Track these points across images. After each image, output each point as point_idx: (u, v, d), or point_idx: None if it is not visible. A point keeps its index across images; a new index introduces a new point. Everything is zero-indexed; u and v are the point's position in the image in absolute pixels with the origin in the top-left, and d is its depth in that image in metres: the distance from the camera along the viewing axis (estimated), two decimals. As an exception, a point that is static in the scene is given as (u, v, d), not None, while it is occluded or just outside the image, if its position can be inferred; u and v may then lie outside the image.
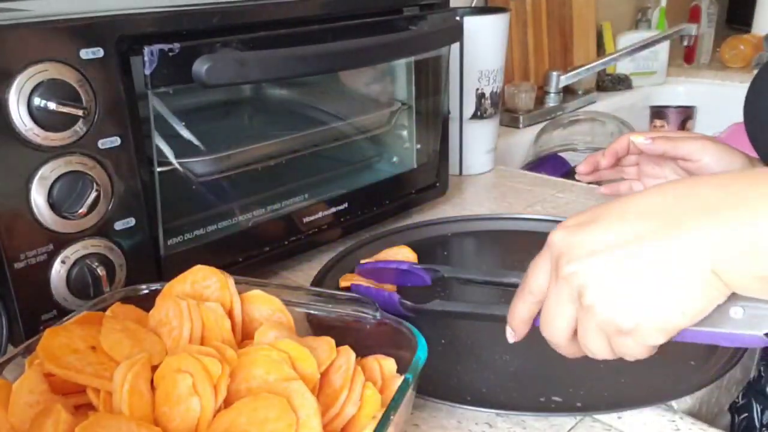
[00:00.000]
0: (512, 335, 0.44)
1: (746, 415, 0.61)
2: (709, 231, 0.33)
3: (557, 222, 0.60)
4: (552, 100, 1.33)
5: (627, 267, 0.35)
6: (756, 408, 0.60)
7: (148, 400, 0.37)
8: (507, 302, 0.44)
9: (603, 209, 0.38)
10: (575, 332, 0.39)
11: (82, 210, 0.48)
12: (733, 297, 0.35)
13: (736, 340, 0.37)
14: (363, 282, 0.59)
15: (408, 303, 0.53)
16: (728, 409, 0.61)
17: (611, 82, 1.51)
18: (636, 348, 0.37)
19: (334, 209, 0.68)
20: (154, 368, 0.39)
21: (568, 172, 1.18)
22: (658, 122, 1.54)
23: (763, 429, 0.59)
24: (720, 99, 1.55)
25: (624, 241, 0.36)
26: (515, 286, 0.43)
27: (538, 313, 0.41)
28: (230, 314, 0.44)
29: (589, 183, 0.81)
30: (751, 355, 0.58)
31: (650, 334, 0.36)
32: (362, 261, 0.64)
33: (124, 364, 0.37)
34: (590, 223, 0.38)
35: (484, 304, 0.49)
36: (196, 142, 0.59)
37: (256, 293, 0.46)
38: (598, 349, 0.38)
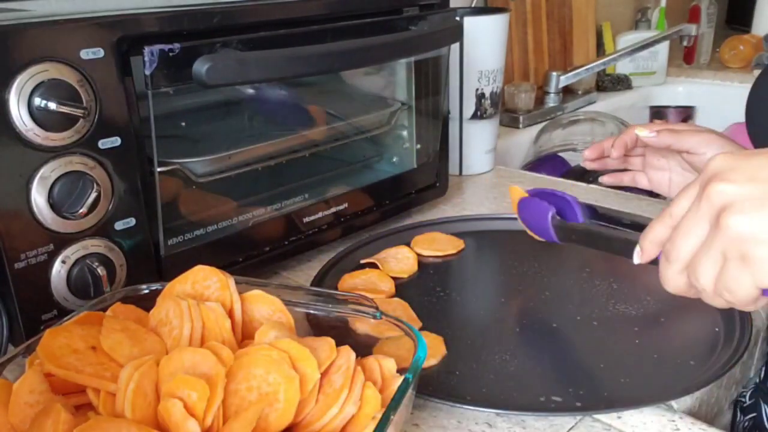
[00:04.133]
0: (639, 255, 0.44)
1: (753, 415, 0.61)
2: None
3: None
4: (552, 101, 1.33)
5: None
6: (764, 409, 0.60)
7: (151, 401, 0.37)
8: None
9: None
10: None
11: (83, 210, 0.48)
12: None
13: None
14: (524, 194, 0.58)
15: (558, 218, 0.54)
16: (732, 406, 0.61)
17: (611, 83, 1.51)
18: (747, 286, 0.36)
19: (334, 209, 0.69)
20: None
21: (568, 172, 1.18)
22: (657, 122, 1.55)
23: None
24: (719, 99, 1.55)
25: None
26: None
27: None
28: (230, 314, 0.44)
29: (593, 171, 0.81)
30: (751, 354, 0.58)
31: (762, 268, 0.35)
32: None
33: (131, 364, 0.37)
34: (756, 154, 0.37)
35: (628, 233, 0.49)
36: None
37: (257, 293, 0.46)
38: (706, 275, 0.38)
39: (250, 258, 0.62)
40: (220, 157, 0.61)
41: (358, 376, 0.39)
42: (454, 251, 0.69)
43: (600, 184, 0.77)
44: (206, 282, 0.46)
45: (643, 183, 0.71)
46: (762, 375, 0.61)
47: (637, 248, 0.44)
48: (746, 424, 0.61)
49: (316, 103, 0.77)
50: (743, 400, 0.61)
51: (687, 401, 0.48)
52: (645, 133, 0.63)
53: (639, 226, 0.49)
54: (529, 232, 0.58)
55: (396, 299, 0.59)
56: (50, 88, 0.45)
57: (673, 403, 0.47)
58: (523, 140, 1.23)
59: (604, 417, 0.46)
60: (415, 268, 0.66)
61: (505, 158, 1.15)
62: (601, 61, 1.34)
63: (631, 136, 0.67)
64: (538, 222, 0.56)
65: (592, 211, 0.55)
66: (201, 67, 0.49)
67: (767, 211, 0.35)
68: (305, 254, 0.69)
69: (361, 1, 0.65)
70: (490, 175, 0.97)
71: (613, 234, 0.51)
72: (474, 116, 0.93)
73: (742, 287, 0.37)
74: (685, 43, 1.49)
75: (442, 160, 0.80)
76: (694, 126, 0.65)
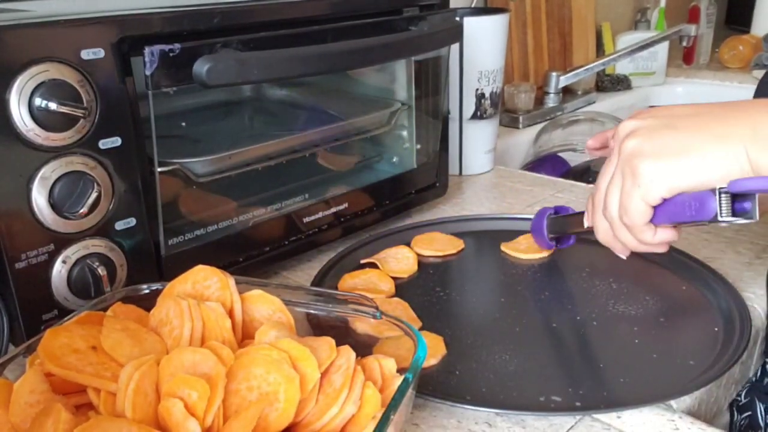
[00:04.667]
0: (585, 216, 0.51)
1: (749, 414, 0.61)
2: (759, 119, 0.39)
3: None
4: (551, 101, 1.34)
5: (674, 125, 0.41)
6: (759, 407, 0.60)
7: (152, 401, 0.37)
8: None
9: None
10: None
11: (83, 210, 0.48)
12: None
13: (698, 200, 0.41)
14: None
15: (552, 215, 0.65)
16: (729, 407, 0.61)
17: (610, 83, 1.51)
18: (637, 201, 0.42)
19: (334, 209, 0.69)
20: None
21: (568, 172, 1.18)
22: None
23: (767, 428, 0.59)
24: (719, 99, 1.54)
25: (683, 113, 0.42)
26: None
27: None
28: (231, 314, 0.44)
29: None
30: (751, 354, 0.59)
31: (657, 183, 0.41)
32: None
33: (132, 364, 0.37)
34: (659, 107, 0.44)
35: None
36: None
37: (257, 293, 0.46)
38: (612, 201, 0.44)
39: (250, 258, 0.62)
40: (220, 157, 0.61)
41: (358, 376, 0.39)
42: (454, 251, 0.70)
43: None
44: (206, 282, 0.46)
45: None
46: (758, 374, 0.61)
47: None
48: (742, 422, 0.61)
49: (316, 103, 0.77)
50: (739, 399, 0.61)
51: (686, 401, 0.48)
52: None
53: None
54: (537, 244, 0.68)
55: (396, 299, 0.59)
56: (51, 88, 0.45)
57: (673, 403, 0.47)
58: (523, 140, 1.23)
59: (603, 417, 0.46)
60: (415, 268, 0.66)
61: (504, 158, 1.16)
62: (601, 61, 1.34)
63: None
64: (537, 225, 0.65)
65: None
66: (201, 67, 0.49)
67: (654, 134, 0.41)
68: (305, 254, 0.69)
69: (361, 2, 0.65)
70: (489, 175, 0.97)
71: (574, 214, 0.61)
72: (474, 116, 0.93)
73: (633, 204, 0.42)
74: (684, 44, 1.49)
75: (442, 160, 0.80)
76: None
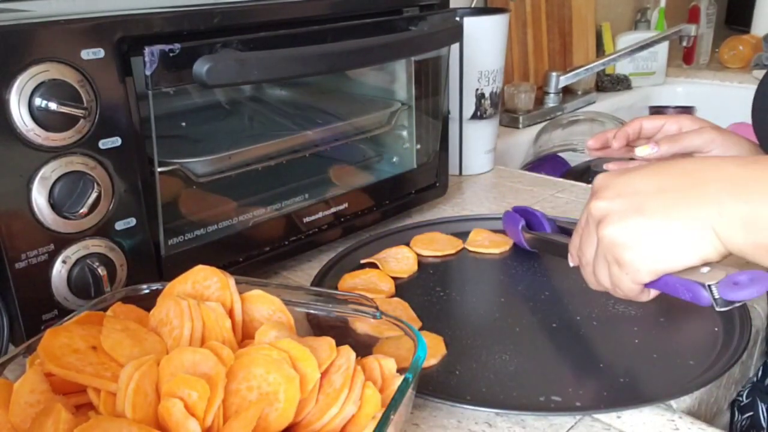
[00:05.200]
0: (570, 259, 0.52)
1: (750, 414, 0.61)
2: (723, 198, 0.40)
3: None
4: (551, 101, 1.34)
5: (642, 209, 0.42)
6: (761, 407, 0.60)
7: (152, 401, 0.37)
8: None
9: (648, 164, 0.46)
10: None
11: (83, 210, 0.48)
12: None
13: (691, 290, 0.42)
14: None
15: (526, 228, 0.67)
16: (729, 407, 0.61)
17: (610, 83, 1.51)
18: (627, 283, 0.44)
19: (334, 209, 0.69)
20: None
21: (568, 172, 1.18)
22: (655, 116, 1.55)
23: None
24: (719, 99, 1.56)
25: (648, 191, 0.43)
26: None
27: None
28: (231, 314, 0.44)
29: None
30: (751, 354, 0.59)
31: (642, 270, 0.42)
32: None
33: (132, 364, 0.37)
34: (629, 172, 0.45)
35: None
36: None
37: (257, 293, 0.46)
38: (602, 276, 0.46)
39: (250, 258, 0.62)
40: (220, 157, 0.61)
41: (358, 376, 0.39)
42: (453, 251, 0.70)
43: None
44: (206, 282, 0.46)
45: None
46: (759, 374, 0.61)
47: (569, 256, 0.53)
48: (744, 423, 0.61)
49: (315, 103, 0.77)
50: (740, 399, 0.61)
51: (686, 401, 0.48)
52: (647, 152, 0.64)
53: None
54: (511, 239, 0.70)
55: (396, 299, 0.59)
56: (51, 88, 0.45)
57: (673, 403, 0.47)
58: (523, 140, 1.23)
59: (603, 416, 0.46)
60: (415, 268, 0.66)
61: (504, 158, 1.16)
62: (601, 61, 1.34)
63: (634, 127, 0.66)
64: (513, 230, 0.69)
65: (554, 225, 0.66)
66: (201, 67, 0.49)
67: (628, 222, 0.42)
68: (305, 254, 0.69)
69: (361, 2, 0.65)
70: (489, 175, 0.97)
71: (557, 240, 0.61)
72: (474, 116, 0.93)
73: (624, 284, 0.44)
74: (684, 44, 1.49)
75: (442, 160, 0.80)
76: (690, 122, 0.64)
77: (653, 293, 0.46)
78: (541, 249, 0.67)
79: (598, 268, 0.46)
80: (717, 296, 0.41)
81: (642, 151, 0.64)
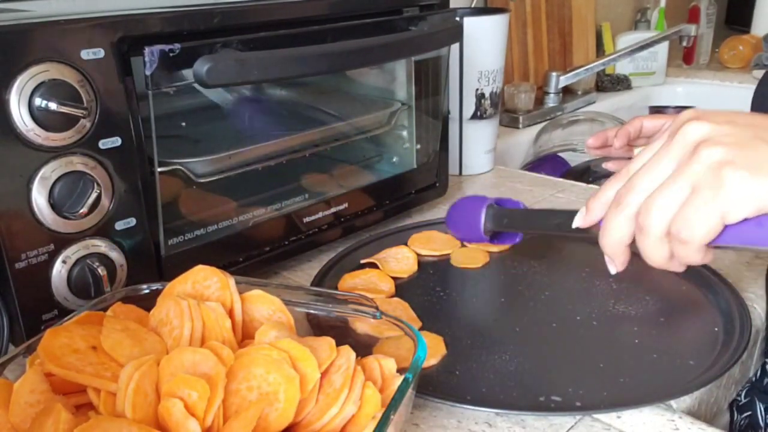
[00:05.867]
0: (583, 215, 0.43)
1: (749, 413, 0.61)
2: None
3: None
4: (551, 101, 1.34)
5: (765, 137, 0.35)
6: (759, 407, 0.60)
7: (152, 401, 0.37)
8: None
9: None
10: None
11: (83, 210, 0.48)
12: None
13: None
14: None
15: (495, 206, 0.60)
16: (729, 406, 0.61)
17: (610, 83, 1.51)
18: (710, 217, 0.36)
19: (334, 209, 0.69)
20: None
21: (568, 172, 1.18)
22: (656, 115, 1.55)
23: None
24: (719, 99, 1.56)
25: (766, 125, 0.36)
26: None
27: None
28: (231, 314, 0.44)
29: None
30: (751, 354, 0.59)
31: (747, 200, 0.35)
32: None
33: (132, 364, 0.37)
34: (724, 113, 0.38)
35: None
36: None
37: (257, 293, 0.46)
38: (664, 211, 0.37)
39: (250, 258, 0.62)
40: (220, 157, 0.61)
41: (358, 376, 0.39)
42: (449, 251, 0.69)
43: (599, 184, 0.77)
44: (206, 282, 0.46)
45: None
46: (758, 374, 0.61)
47: (582, 209, 0.42)
48: (742, 422, 0.61)
49: (315, 103, 0.77)
50: (739, 399, 0.61)
51: (686, 401, 0.48)
52: None
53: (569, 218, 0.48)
54: (454, 235, 0.64)
55: (396, 299, 0.59)
56: (51, 88, 0.45)
57: (673, 403, 0.47)
58: (523, 140, 1.23)
59: (603, 417, 0.46)
60: (415, 268, 0.66)
61: (504, 158, 1.16)
62: (601, 61, 1.34)
63: (635, 126, 0.66)
64: (466, 216, 0.60)
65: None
66: (201, 67, 0.49)
67: (746, 147, 0.35)
68: (305, 254, 0.69)
69: (361, 2, 0.65)
70: (489, 175, 0.97)
71: (551, 211, 0.51)
72: (474, 116, 0.93)
73: (704, 219, 0.36)
74: (684, 44, 1.49)
75: (442, 160, 0.80)
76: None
77: (707, 254, 0.39)
78: (515, 227, 0.58)
79: (664, 199, 0.37)
80: None
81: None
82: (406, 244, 0.70)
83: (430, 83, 0.77)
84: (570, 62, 1.43)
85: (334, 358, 0.40)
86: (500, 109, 0.97)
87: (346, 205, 0.70)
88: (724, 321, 0.55)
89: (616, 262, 0.45)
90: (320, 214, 0.67)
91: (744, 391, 0.61)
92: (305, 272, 0.67)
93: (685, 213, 0.37)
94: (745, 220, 0.36)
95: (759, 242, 0.37)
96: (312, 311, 0.49)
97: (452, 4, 0.77)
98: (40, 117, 0.45)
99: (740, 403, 0.62)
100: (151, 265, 0.54)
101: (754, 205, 0.36)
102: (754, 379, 0.61)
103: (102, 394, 0.37)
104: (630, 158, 0.71)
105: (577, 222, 0.44)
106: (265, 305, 0.46)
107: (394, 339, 0.50)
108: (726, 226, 0.37)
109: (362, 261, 0.67)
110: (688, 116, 0.38)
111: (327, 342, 0.42)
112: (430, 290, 0.62)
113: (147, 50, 0.48)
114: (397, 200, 0.76)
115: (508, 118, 1.26)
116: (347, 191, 0.70)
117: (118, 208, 0.51)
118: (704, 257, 0.39)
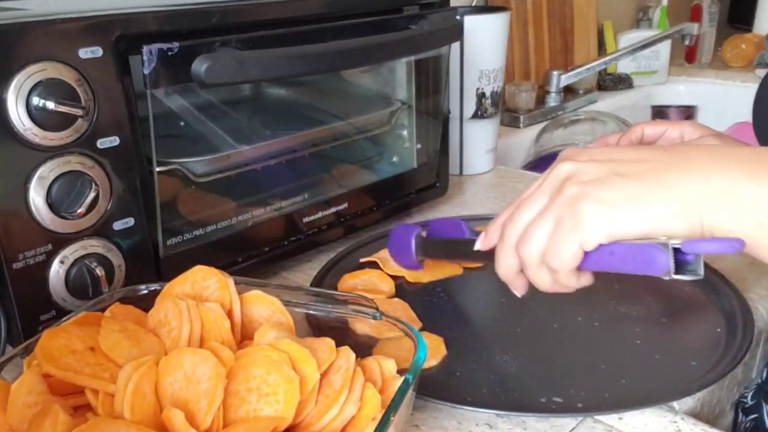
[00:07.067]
0: (482, 240, 0.48)
1: (755, 416, 0.60)
2: (710, 170, 0.38)
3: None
4: (553, 100, 1.33)
5: (620, 172, 0.40)
6: (766, 410, 0.60)
7: (151, 402, 0.37)
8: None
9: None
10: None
11: (81, 210, 0.48)
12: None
13: (644, 255, 0.40)
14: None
15: (421, 236, 0.60)
16: (734, 407, 0.61)
17: (612, 82, 1.51)
18: (571, 245, 0.40)
19: (333, 209, 0.68)
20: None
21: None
22: (659, 121, 1.54)
23: None
24: (721, 98, 1.55)
25: (626, 159, 0.41)
26: None
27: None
28: (230, 315, 0.44)
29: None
30: (754, 355, 0.58)
31: (599, 230, 0.39)
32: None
33: (130, 365, 0.37)
34: (595, 147, 0.44)
35: None
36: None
37: (256, 293, 0.46)
38: (537, 241, 0.42)
39: (249, 258, 0.62)
40: (219, 157, 0.61)
41: (358, 377, 0.39)
42: None
43: None
44: (205, 282, 0.46)
45: None
46: (764, 375, 0.61)
47: (482, 234, 0.47)
48: (748, 425, 0.61)
49: (315, 102, 0.77)
50: (745, 400, 0.61)
51: (689, 402, 0.47)
52: None
53: None
54: (394, 262, 0.63)
55: (396, 299, 0.59)
56: (48, 87, 0.45)
57: (675, 404, 0.47)
58: (524, 140, 1.23)
59: (605, 418, 0.46)
60: (416, 268, 0.66)
61: (505, 158, 1.15)
62: (603, 60, 1.33)
63: (636, 133, 0.66)
64: (400, 243, 0.61)
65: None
66: (200, 66, 0.49)
67: (600, 182, 0.40)
68: (305, 254, 0.68)
69: (360, 0, 0.65)
70: (490, 174, 0.97)
71: (462, 239, 0.55)
72: (474, 116, 0.92)
73: (567, 248, 0.40)
74: (686, 42, 1.49)
75: (442, 159, 0.80)
76: (693, 126, 0.63)
77: (582, 278, 0.43)
78: (439, 256, 0.60)
79: (537, 230, 0.42)
80: (671, 265, 0.38)
81: None
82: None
83: (431, 82, 0.77)
84: (571, 61, 1.43)
85: (333, 359, 0.40)
86: (501, 109, 0.97)
87: (345, 205, 0.69)
88: (726, 321, 0.54)
89: (513, 287, 0.48)
90: (320, 214, 0.67)
91: (750, 393, 0.61)
92: (305, 272, 0.67)
93: (552, 243, 0.41)
94: (601, 246, 0.40)
95: (628, 270, 0.40)
96: (311, 312, 0.48)
97: (453, 3, 0.77)
98: (37, 116, 0.45)
99: (746, 405, 0.61)
100: (150, 266, 0.54)
101: (604, 232, 0.39)
102: (760, 380, 0.61)
103: (100, 395, 0.37)
104: None
105: (478, 245, 0.49)
106: (264, 306, 0.46)
107: (394, 340, 0.50)
108: (586, 253, 0.41)
109: (362, 260, 0.67)
110: (562, 155, 0.44)
111: (327, 343, 0.41)
112: (430, 291, 0.62)
113: (145, 49, 0.47)
114: (397, 200, 0.76)
115: (509, 117, 1.26)
116: (347, 191, 0.70)
117: (116, 208, 0.50)
118: (579, 281, 0.44)
